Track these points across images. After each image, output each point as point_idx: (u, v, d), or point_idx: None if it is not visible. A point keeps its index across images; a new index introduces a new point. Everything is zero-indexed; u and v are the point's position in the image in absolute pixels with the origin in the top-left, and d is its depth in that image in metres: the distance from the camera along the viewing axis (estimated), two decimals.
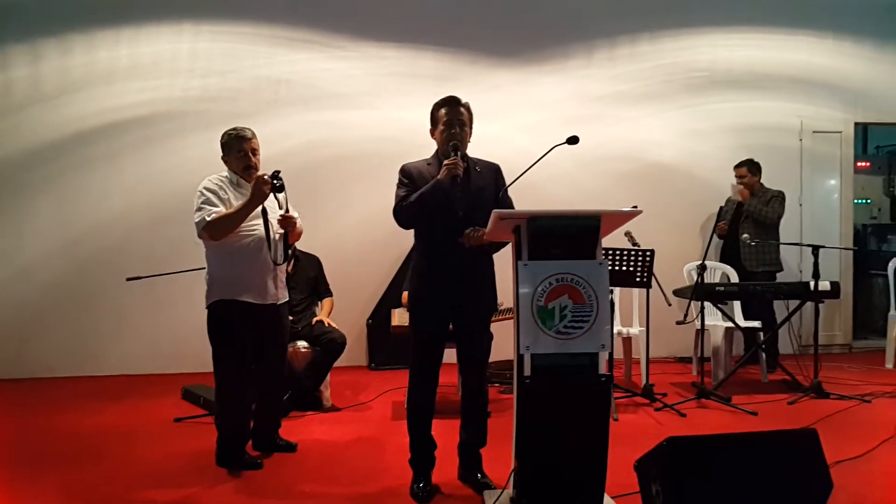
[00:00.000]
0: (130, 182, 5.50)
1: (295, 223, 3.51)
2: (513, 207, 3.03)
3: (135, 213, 5.50)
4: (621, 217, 2.72)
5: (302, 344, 4.53)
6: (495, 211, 2.58)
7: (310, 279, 4.85)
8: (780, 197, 5.51)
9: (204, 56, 5.64)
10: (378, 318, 5.71)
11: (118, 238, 5.46)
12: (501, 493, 2.78)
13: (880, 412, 4.17)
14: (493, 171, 3.11)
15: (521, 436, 2.62)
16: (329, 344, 4.46)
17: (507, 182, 3.09)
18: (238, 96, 5.65)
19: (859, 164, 6.79)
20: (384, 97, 5.73)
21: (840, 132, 6.20)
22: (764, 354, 5.06)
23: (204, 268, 3.67)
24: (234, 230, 3.27)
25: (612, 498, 2.78)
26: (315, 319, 4.68)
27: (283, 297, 3.58)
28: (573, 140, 2.86)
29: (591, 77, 6.02)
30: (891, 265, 5.74)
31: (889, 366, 5.48)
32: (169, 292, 5.18)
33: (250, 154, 3.42)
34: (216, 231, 3.25)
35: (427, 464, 3.04)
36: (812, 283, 4.52)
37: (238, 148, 3.41)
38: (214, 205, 3.27)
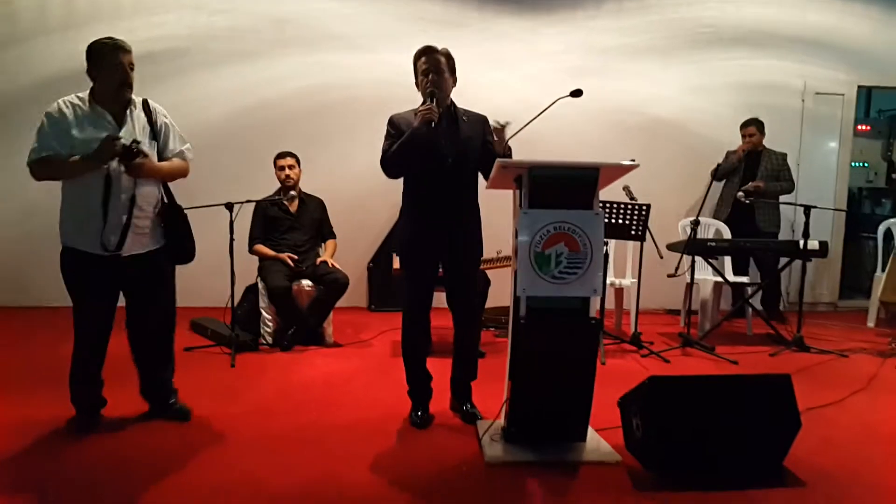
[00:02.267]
0: None
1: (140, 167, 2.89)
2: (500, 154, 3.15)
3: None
4: (619, 170, 2.85)
5: (306, 283, 4.70)
6: (498, 160, 2.71)
7: (314, 221, 4.99)
8: (787, 166, 5.63)
9: None
10: (379, 262, 5.88)
11: None
12: (493, 423, 2.99)
13: (856, 366, 4.37)
14: (481, 122, 3.19)
15: (514, 371, 2.81)
16: (332, 283, 4.63)
17: (510, 133, 3.19)
18: (243, 35, 5.70)
19: (860, 127, 6.86)
20: (390, 40, 5.75)
21: (843, 94, 6.26)
22: (750, 309, 5.24)
23: (220, 204, 3.80)
24: (63, 179, 2.88)
25: (596, 431, 2.98)
26: (319, 260, 4.84)
27: (139, 247, 2.98)
28: (577, 93, 2.97)
29: (597, 28, 6.05)
30: (881, 228, 5.90)
31: (871, 324, 5.68)
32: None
33: (129, 68, 2.86)
34: (41, 173, 2.86)
35: (424, 395, 3.24)
36: (801, 242, 4.67)
37: (115, 60, 2.82)
38: (46, 140, 2.81)
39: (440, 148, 3.02)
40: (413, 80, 3.14)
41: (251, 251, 4.80)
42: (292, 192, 4.88)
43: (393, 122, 3.13)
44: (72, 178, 2.84)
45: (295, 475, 2.60)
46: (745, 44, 6.14)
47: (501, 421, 2.94)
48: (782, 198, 5.62)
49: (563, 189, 2.75)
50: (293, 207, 4.92)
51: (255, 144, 5.54)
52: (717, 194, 5.80)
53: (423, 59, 3.06)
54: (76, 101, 2.87)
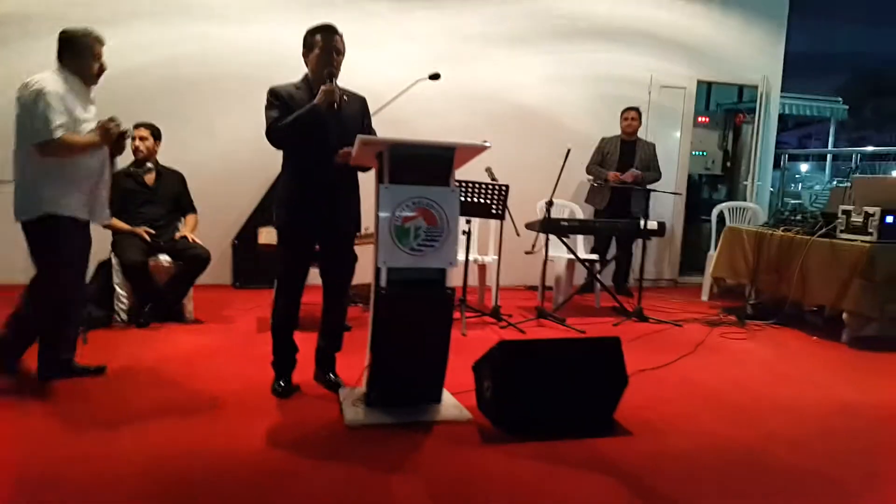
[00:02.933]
0: None
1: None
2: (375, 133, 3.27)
3: None
4: (473, 150, 3.01)
5: (164, 258, 4.58)
6: (359, 137, 2.80)
7: (173, 194, 4.84)
8: (656, 155, 6.13)
9: None
10: (244, 239, 5.80)
11: None
12: (354, 390, 3.10)
13: (687, 334, 4.86)
14: (361, 101, 3.29)
15: (375, 338, 2.93)
16: (193, 259, 4.54)
17: (373, 111, 3.29)
18: (96, 1, 5.37)
19: (700, 118, 7.52)
20: (258, 14, 5.66)
21: (685, 88, 6.85)
22: (598, 284, 5.66)
23: None
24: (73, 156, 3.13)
25: (452, 394, 3.17)
26: (178, 235, 4.71)
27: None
28: (435, 76, 3.12)
29: (463, 15, 6.24)
30: (714, 211, 6.55)
31: (704, 298, 6.29)
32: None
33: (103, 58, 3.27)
34: (58, 152, 3.05)
35: (288, 365, 3.30)
36: (642, 222, 5.11)
37: (95, 52, 3.27)
38: (62, 117, 3.03)
39: (325, 126, 3.06)
40: (299, 52, 3.17)
41: (104, 225, 4.59)
42: (148, 165, 4.71)
43: (276, 93, 3.13)
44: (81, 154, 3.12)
45: (148, 450, 2.58)
46: (598, 37, 6.55)
47: (363, 388, 3.06)
48: None
49: (421, 166, 2.88)
50: (150, 180, 4.75)
51: (103, 115, 5.24)
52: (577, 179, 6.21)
53: (320, 35, 3.09)
54: (60, 79, 3.15)
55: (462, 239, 4.57)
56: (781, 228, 5.26)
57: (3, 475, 2.33)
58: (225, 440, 2.71)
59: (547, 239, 4.96)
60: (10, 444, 2.59)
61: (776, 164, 8.43)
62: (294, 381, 3.32)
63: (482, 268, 5.44)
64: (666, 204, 6.76)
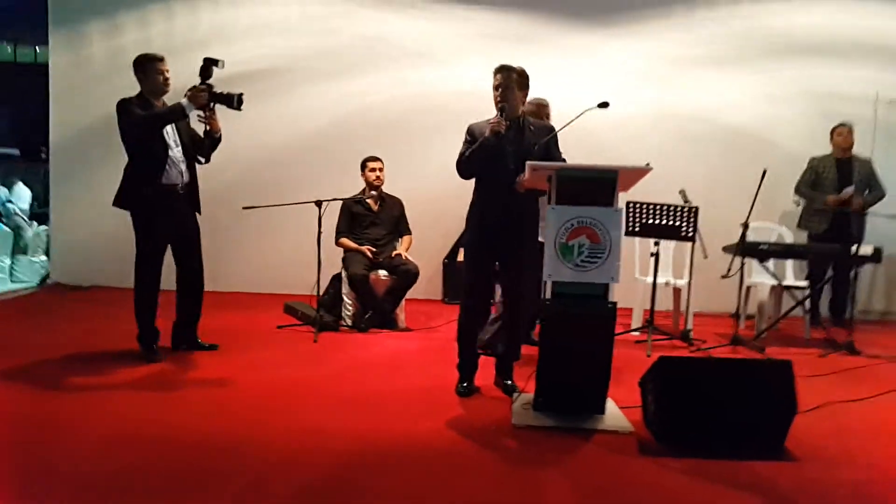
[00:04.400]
0: (247, 130, 6.29)
1: None
2: (563, 160, 3.58)
3: (251, 154, 6.35)
4: (638, 173, 3.20)
5: (382, 273, 5.28)
6: (528, 163, 3.15)
7: (393, 218, 5.56)
8: (875, 172, 5.73)
9: (312, 17, 6.40)
10: (453, 258, 6.40)
11: (237, 175, 6.34)
12: (526, 395, 3.42)
13: None
14: (547, 130, 3.62)
15: (542, 348, 3.24)
16: (405, 274, 5.19)
17: (558, 139, 3.60)
18: (335, 55, 6.38)
19: None
20: (466, 56, 6.24)
21: None
22: (809, 313, 5.34)
23: (311, 201, 4.52)
24: None
25: (623, 409, 3.34)
26: (395, 253, 5.40)
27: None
28: (604, 105, 3.36)
29: (667, 39, 6.31)
30: None
31: None
32: (279, 222, 5.99)
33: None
34: None
35: (470, 370, 3.71)
36: (854, 248, 4.78)
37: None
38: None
39: (505, 155, 3.47)
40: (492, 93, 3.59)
41: (337, 243, 5.43)
42: (373, 192, 5.48)
43: (470, 130, 3.61)
44: None
45: (352, 427, 3.13)
46: (815, 53, 6.21)
47: (531, 394, 3.37)
48: None
49: (586, 188, 3.16)
50: (375, 206, 5.51)
51: (344, 150, 6.16)
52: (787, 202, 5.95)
53: (497, 76, 3.52)
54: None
55: (651, 261, 4.76)
56: None
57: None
58: (408, 425, 3.18)
59: (742, 263, 4.86)
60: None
61: None
62: (476, 384, 3.73)
63: (677, 291, 5.44)
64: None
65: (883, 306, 6.45)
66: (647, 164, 3.14)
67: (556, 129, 3.58)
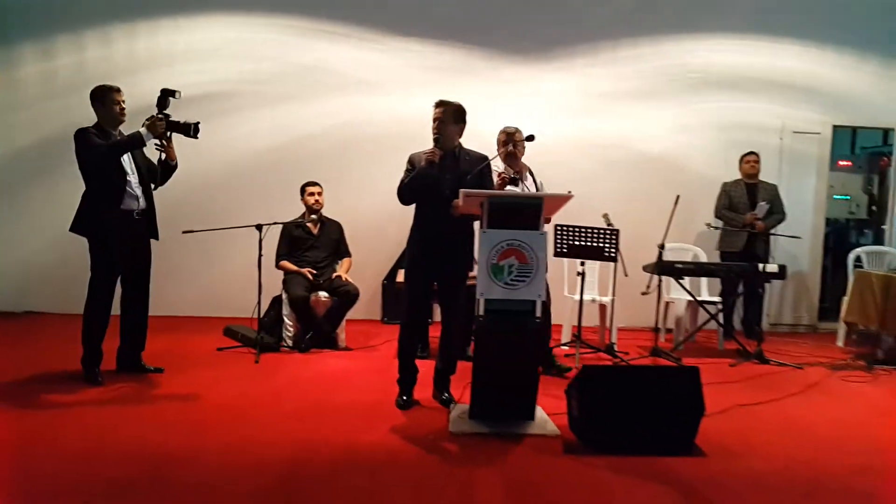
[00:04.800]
0: (189, 152, 6.40)
1: None
2: (492, 187, 3.87)
3: (191, 178, 6.39)
4: (560, 200, 3.52)
5: (323, 294, 5.45)
6: (462, 190, 3.42)
7: (332, 241, 5.74)
8: (780, 196, 6.27)
9: (251, 43, 6.58)
10: (392, 279, 6.60)
11: (177, 198, 6.36)
12: (457, 404, 3.65)
13: (805, 377, 4.88)
14: (481, 159, 3.90)
15: (476, 360, 3.49)
16: (345, 295, 5.37)
17: (490, 167, 3.89)
18: (284, 80, 6.57)
19: (841, 162, 7.37)
20: (408, 86, 6.54)
21: (818, 133, 6.82)
22: (720, 325, 5.78)
23: (251, 225, 4.64)
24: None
25: (551, 416, 3.61)
26: (335, 275, 5.58)
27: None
28: (530, 138, 3.67)
29: (593, 74, 6.75)
30: (851, 255, 6.41)
31: (840, 343, 6.15)
32: (219, 246, 6.07)
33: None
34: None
35: (409, 384, 3.93)
36: (762, 266, 5.24)
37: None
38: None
39: (441, 183, 3.74)
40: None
41: (277, 266, 5.57)
42: (314, 216, 5.66)
43: (410, 159, 3.88)
44: None
45: (297, 439, 3.29)
46: (729, 88, 6.77)
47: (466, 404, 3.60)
48: None
49: (515, 214, 3.44)
50: (315, 229, 5.69)
51: (285, 174, 6.32)
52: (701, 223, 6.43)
53: (436, 109, 3.80)
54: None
55: (578, 280, 5.08)
56: None
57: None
58: (351, 436, 3.36)
59: (660, 281, 5.25)
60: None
61: None
62: (416, 397, 3.94)
63: (602, 308, 5.80)
64: (802, 247, 6.74)
65: (791, 319, 7.00)
66: (569, 192, 3.45)
67: (489, 159, 3.87)
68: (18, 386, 4.05)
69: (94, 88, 4.14)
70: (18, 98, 6.40)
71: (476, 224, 3.72)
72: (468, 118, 3.88)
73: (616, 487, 2.89)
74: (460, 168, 3.78)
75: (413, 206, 3.92)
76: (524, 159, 4.57)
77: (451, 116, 3.77)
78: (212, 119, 6.36)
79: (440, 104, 3.78)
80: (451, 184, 3.72)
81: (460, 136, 3.88)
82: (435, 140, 3.72)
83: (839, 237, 7.68)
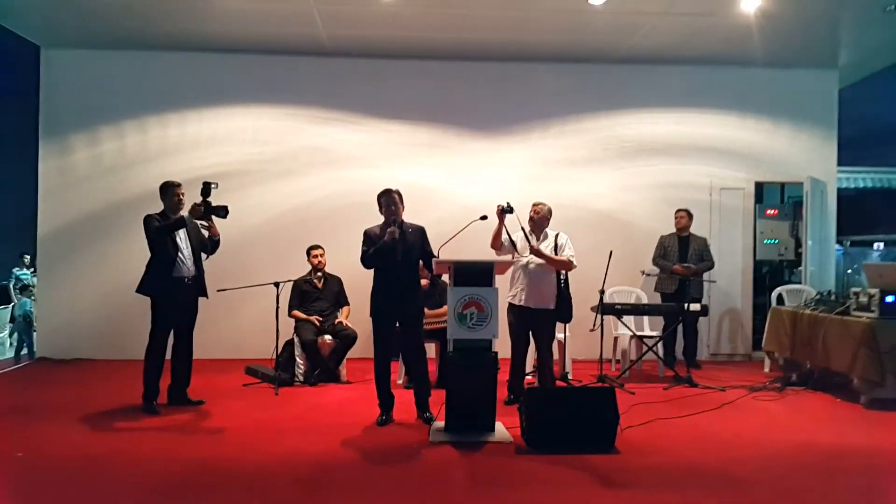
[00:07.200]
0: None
1: None
2: (432, 253, 5.00)
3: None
4: (505, 265, 4.70)
5: (328, 337, 6.55)
6: (435, 260, 4.60)
7: (334, 293, 6.88)
8: (708, 247, 7.39)
9: (262, 130, 7.82)
10: None
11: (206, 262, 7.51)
12: (436, 421, 4.76)
13: (725, 397, 5.93)
14: (420, 231, 5.07)
15: (448, 386, 4.60)
16: (346, 337, 6.48)
17: (439, 241, 5.02)
18: (285, 159, 7.80)
19: (769, 211, 8.57)
20: (392, 159, 7.74)
21: (743, 188, 8.06)
22: (660, 357, 6.90)
23: (271, 283, 5.77)
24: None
25: (507, 428, 4.70)
26: (337, 321, 6.70)
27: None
28: (483, 218, 4.86)
29: (546, 146, 8.00)
30: (774, 293, 7.57)
31: (766, 370, 7.25)
32: (242, 300, 7.15)
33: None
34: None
35: (386, 405, 5.02)
36: (687, 305, 6.39)
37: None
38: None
39: (394, 250, 4.89)
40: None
41: (290, 315, 6.69)
42: (319, 273, 6.80)
43: (366, 234, 5.06)
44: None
45: (311, 449, 4.39)
46: (661, 153, 8.04)
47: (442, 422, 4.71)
48: None
49: (474, 274, 4.60)
50: (319, 284, 6.82)
51: (290, 236, 7.49)
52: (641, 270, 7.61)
53: (384, 198, 4.99)
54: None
55: None
56: (811, 308, 6.29)
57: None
58: (355, 445, 4.46)
59: (602, 319, 6.39)
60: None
61: None
62: (403, 420, 5.03)
63: (559, 343, 6.90)
64: (735, 287, 7.92)
65: (729, 349, 8.13)
66: (513, 257, 4.62)
67: (424, 229, 5.07)
68: (90, 417, 5.11)
69: (161, 183, 5.33)
70: (70, 179, 7.61)
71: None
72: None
73: (554, 476, 3.95)
74: (407, 238, 4.95)
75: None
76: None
77: (400, 200, 4.99)
78: (228, 193, 7.56)
79: (386, 192, 5.00)
80: (402, 251, 4.90)
81: (402, 211, 5.03)
82: (392, 221, 4.90)
83: (773, 276, 8.83)
